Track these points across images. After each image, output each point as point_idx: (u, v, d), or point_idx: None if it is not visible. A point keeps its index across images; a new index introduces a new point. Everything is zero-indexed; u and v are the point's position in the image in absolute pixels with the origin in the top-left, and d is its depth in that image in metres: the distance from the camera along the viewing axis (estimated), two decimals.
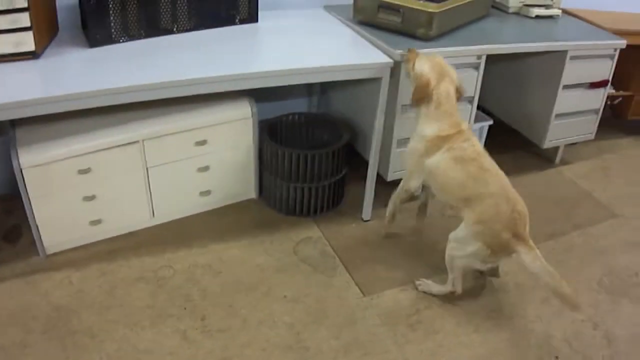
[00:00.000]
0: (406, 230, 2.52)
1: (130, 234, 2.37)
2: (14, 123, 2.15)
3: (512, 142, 3.21)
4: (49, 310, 1.99)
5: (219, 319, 2.00)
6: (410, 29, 2.34)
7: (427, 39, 2.34)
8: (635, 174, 3.18)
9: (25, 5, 1.94)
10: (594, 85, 2.88)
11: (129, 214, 2.35)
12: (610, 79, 2.90)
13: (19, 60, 2.00)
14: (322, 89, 2.95)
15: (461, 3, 2.44)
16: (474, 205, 1.93)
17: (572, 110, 2.90)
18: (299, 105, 3.03)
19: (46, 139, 2.09)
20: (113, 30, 2.17)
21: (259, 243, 2.37)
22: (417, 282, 2.21)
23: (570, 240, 2.58)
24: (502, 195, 1.92)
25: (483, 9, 2.73)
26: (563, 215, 2.75)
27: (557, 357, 1.96)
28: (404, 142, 2.46)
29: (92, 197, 2.21)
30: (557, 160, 3.18)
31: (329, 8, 2.73)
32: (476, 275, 2.27)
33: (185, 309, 2.03)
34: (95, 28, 2.14)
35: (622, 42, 2.79)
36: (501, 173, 1.98)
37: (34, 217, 2.13)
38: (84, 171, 2.14)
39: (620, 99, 3.36)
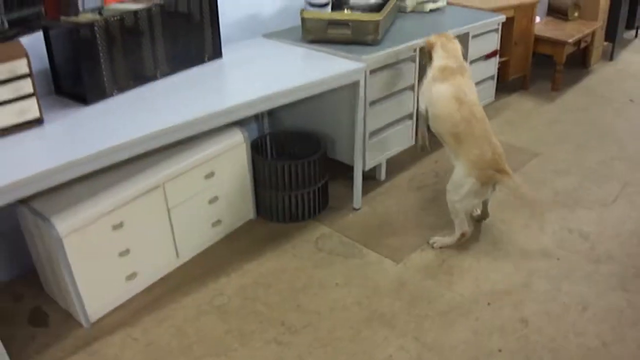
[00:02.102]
0: (397, 208, 3.14)
1: (162, 279, 2.65)
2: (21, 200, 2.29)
3: None
4: None
5: (296, 319, 2.40)
6: (361, 38, 2.96)
7: (375, 43, 2.98)
8: (530, 121, 4.17)
9: (27, 71, 2.14)
10: (489, 56, 3.77)
11: (158, 260, 2.63)
12: (498, 48, 3.81)
13: (26, 129, 2.17)
14: (270, 112, 3.44)
15: (388, 10, 3.12)
16: (462, 144, 2.64)
17: (479, 79, 3.75)
18: (250, 131, 3.47)
19: (73, 203, 2.29)
20: (106, 85, 2.45)
21: (284, 252, 2.81)
22: (431, 242, 2.82)
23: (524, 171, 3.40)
24: (485, 139, 2.63)
25: (395, 12, 3.46)
26: None
27: (558, 259, 2.72)
28: (375, 133, 3.08)
29: (127, 252, 2.47)
30: None
31: (268, 35, 3.25)
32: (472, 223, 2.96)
33: (261, 322, 2.40)
34: (91, 85, 2.39)
35: (502, 17, 3.72)
36: (487, 122, 2.70)
37: (76, 286, 2.31)
38: (118, 226, 2.40)
39: (499, 64, 4.32)
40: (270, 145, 3.23)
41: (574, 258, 2.74)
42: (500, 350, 2.22)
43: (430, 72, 2.84)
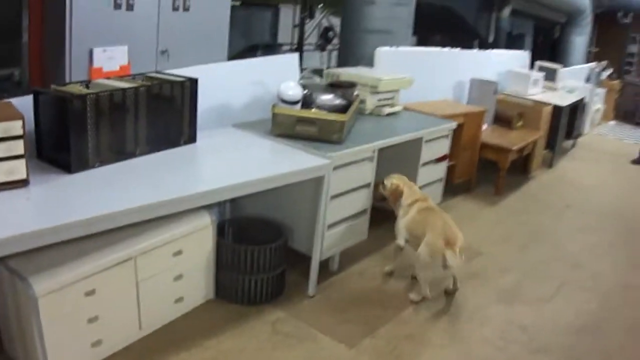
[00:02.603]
0: (349, 297, 3.45)
1: (125, 349, 2.80)
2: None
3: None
4: None
5: None
6: (326, 136, 3.34)
7: (339, 142, 3.37)
8: (474, 222, 4.64)
9: (21, 132, 2.36)
10: (439, 159, 4.25)
11: (123, 330, 2.81)
12: (448, 153, 4.30)
13: (11, 188, 2.37)
14: (232, 199, 3.74)
15: (352, 111, 3.56)
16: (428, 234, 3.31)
17: (428, 181, 4.20)
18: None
19: (51, 266, 2.47)
20: (90, 156, 2.70)
21: (243, 332, 3.03)
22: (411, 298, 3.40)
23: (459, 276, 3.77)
24: (441, 226, 3.32)
25: (356, 114, 3.90)
26: None
27: (499, 349, 3.06)
28: (333, 225, 3.42)
29: (95, 318, 2.65)
30: None
31: (238, 126, 3.61)
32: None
33: None
34: (76, 154, 2.64)
35: (454, 124, 4.23)
36: (443, 214, 3.42)
37: (44, 347, 2.45)
38: (90, 293, 2.59)
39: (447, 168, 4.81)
40: (231, 230, 3.50)
41: (513, 349, 3.09)
42: None
43: (402, 210, 3.58)
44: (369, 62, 4.76)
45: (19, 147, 2.39)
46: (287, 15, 5.69)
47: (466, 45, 6.46)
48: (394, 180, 3.67)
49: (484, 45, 7.09)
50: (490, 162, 5.16)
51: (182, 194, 2.60)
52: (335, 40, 6.01)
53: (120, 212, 2.39)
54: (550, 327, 3.31)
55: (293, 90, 3.41)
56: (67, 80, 3.07)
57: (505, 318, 3.36)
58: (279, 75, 3.85)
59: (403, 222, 3.56)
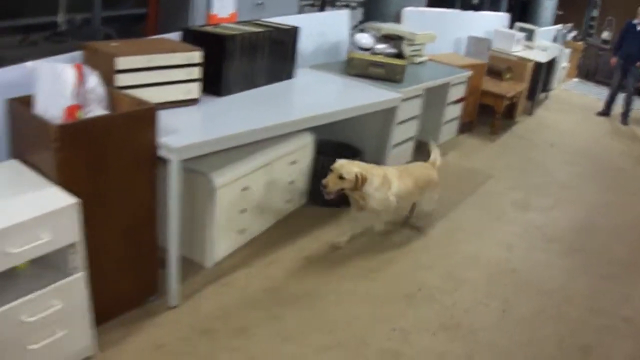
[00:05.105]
0: None
1: (255, 238, 3.87)
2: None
3: None
4: (261, 289, 3.53)
5: (375, 266, 3.81)
6: (391, 77, 4.53)
7: (400, 82, 4.58)
8: (480, 154, 5.96)
9: (199, 61, 3.27)
10: (457, 101, 5.53)
11: (256, 221, 3.88)
12: (465, 96, 5.60)
13: (187, 105, 3.29)
14: None
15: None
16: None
17: (450, 118, 5.49)
18: None
19: (221, 166, 3.44)
20: (232, 84, 3.72)
21: (338, 225, 4.20)
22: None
23: (481, 191, 5.11)
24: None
25: None
26: (467, 182, 5.28)
27: (524, 234, 4.43)
28: (395, 145, 4.64)
29: (244, 210, 3.73)
30: None
31: (314, 67, 4.74)
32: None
33: (348, 268, 3.75)
34: (225, 82, 3.65)
35: (470, 73, 5.52)
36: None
37: (213, 231, 3.51)
38: (245, 189, 3.66)
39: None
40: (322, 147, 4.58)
41: (533, 239, 4.43)
42: (504, 310, 3.74)
43: (376, 190, 3.79)
44: (392, 19, 5.96)
45: (196, 72, 3.28)
46: None
47: (448, 6, 7.73)
48: (354, 168, 3.71)
49: (466, 6, 8.40)
50: (484, 107, 6.51)
51: (301, 116, 3.64)
52: None
53: (272, 126, 3.40)
54: (555, 227, 4.69)
55: (366, 39, 4.59)
56: (189, 23, 4.07)
57: (523, 220, 4.72)
58: (332, 28, 5.01)
59: (392, 195, 3.84)
